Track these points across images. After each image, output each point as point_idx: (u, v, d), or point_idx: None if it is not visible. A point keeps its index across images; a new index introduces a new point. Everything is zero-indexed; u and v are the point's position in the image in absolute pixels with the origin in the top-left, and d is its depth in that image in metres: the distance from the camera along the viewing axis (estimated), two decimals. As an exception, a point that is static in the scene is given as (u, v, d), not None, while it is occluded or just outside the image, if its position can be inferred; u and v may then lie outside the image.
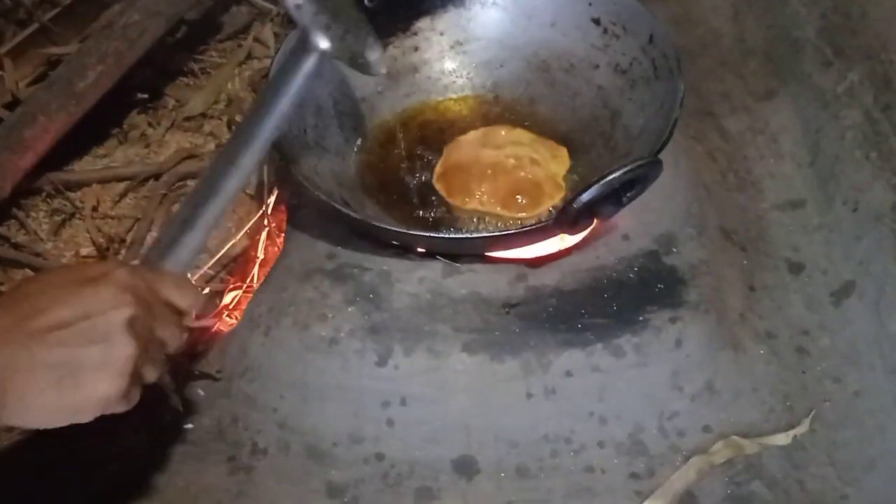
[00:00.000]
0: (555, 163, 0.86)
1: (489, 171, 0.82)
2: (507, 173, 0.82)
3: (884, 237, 0.81)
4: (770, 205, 0.93)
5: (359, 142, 0.89)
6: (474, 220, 0.83)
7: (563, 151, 0.87)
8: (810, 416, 0.75)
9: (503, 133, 0.87)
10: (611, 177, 0.63)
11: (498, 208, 0.81)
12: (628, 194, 0.68)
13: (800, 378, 0.79)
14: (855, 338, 0.80)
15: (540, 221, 0.68)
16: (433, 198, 0.85)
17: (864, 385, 0.77)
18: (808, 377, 0.79)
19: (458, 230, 0.81)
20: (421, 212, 0.84)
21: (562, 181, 0.84)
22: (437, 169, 0.85)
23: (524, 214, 0.81)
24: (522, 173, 0.82)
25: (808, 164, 0.94)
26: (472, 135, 0.88)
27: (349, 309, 0.75)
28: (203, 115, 1.10)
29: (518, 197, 0.81)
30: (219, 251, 0.91)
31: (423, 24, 0.94)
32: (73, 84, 0.91)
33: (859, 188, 0.86)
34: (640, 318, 0.74)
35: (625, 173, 0.63)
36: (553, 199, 0.83)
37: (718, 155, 0.98)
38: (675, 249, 0.79)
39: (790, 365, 0.79)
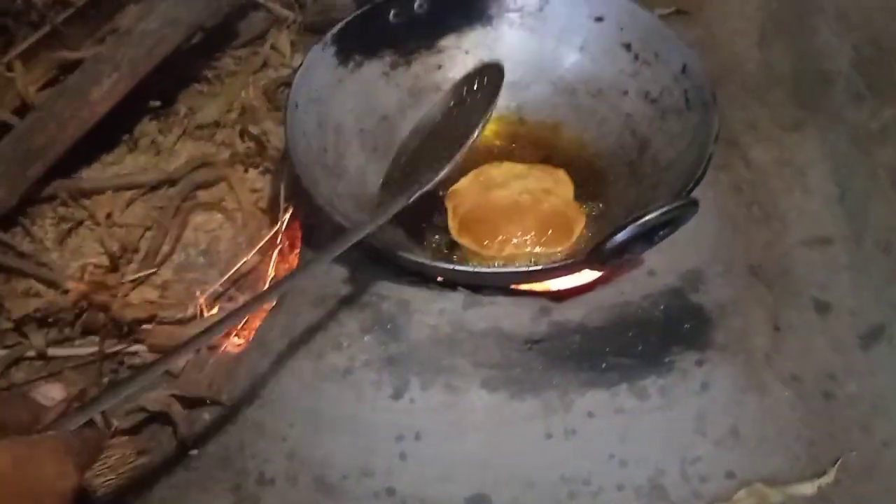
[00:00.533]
0: (563, 187, 0.84)
1: (515, 214, 0.80)
2: (530, 210, 0.80)
3: (916, 282, 0.78)
4: (797, 241, 0.90)
5: (380, 162, 0.86)
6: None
7: (562, 173, 0.85)
8: (836, 465, 0.73)
9: (496, 170, 0.85)
10: (647, 217, 0.61)
11: (537, 248, 0.79)
12: (661, 233, 0.66)
13: (826, 425, 0.76)
14: (883, 385, 0.77)
15: (570, 257, 0.66)
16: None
17: (892, 436, 0.75)
18: (834, 424, 0.76)
19: (484, 263, 0.78)
20: (442, 238, 0.81)
21: (577, 204, 0.83)
22: (452, 224, 0.82)
23: (561, 248, 0.79)
24: (543, 206, 0.80)
25: (836, 200, 0.92)
26: (466, 181, 0.85)
27: (365, 338, 0.73)
28: (216, 123, 1.07)
29: (550, 231, 0.79)
30: (229, 268, 0.89)
31: (448, 41, 0.92)
32: (87, 92, 0.89)
33: (891, 229, 0.84)
34: (666, 360, 0.72)
35: (661, 214, 0.61)
36: (580, 224, 0.81)
37: (744, 186, 0.95)
38: (701, 287, 0.77)
39: (816, 410, 0.77)
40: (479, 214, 0.81)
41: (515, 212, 0.80)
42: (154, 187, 0.99)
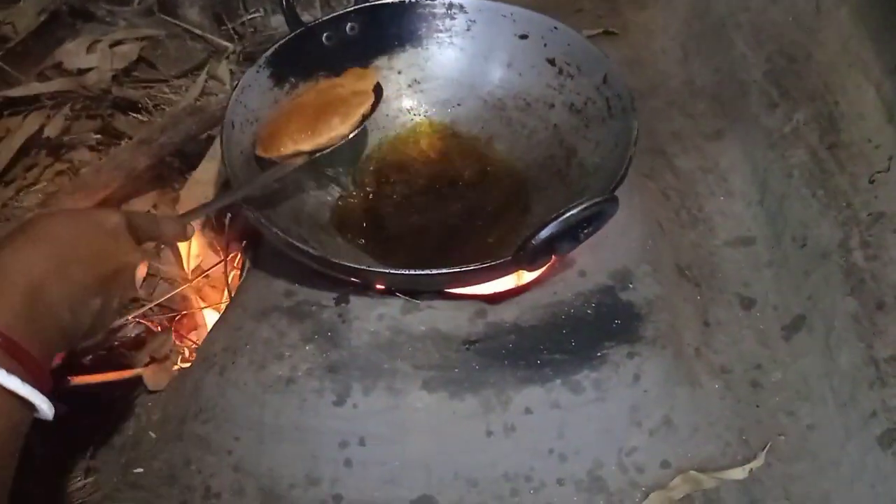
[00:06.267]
0: (360, 83, 0.86)
1: (295, 113, 0.81)
2: (310, 105, 0.81)
3: (831, 273, 0.83)
4: (721, 241, 0.95)
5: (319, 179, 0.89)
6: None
7: (369, 70, 0.88)
8: (765, 449, 0.76)
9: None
10: (568, 214, 0.63)
11: (313, 139, 0.79)
12: (585, 230, 0.69)
13: (754, 412, 0.79)
14: (806, 372, 0.81)
15: (499, 259, 0.68)
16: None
17: (816, 419, 0.78)
18: (762, 411, 0.80)
19: (417, 267, 0.80)
20: (380, 246, 0.83)
21: (370, 90, 0.85)
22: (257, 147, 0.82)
23: (337, 133, 0.80)
24: (326, 98, 0.82)
25: (756, 202, 0.97)
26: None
27: (307, 347, 0.74)
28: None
29: (326, 117, 0.80)
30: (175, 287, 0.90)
31: (380, 62, 0.95)
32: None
33: (807, 225, 0.88)
34: (598, 354, 0.74)
35: (582, 210, 0.64)
36: (363, 106, 0.83)
37: (671, 192, 1.00)
38: (631, 285, 0.80)
39: (745, 399, 0.80)
40: (270, 128, 0.81)
41: (296, 111, 0.82)
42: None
